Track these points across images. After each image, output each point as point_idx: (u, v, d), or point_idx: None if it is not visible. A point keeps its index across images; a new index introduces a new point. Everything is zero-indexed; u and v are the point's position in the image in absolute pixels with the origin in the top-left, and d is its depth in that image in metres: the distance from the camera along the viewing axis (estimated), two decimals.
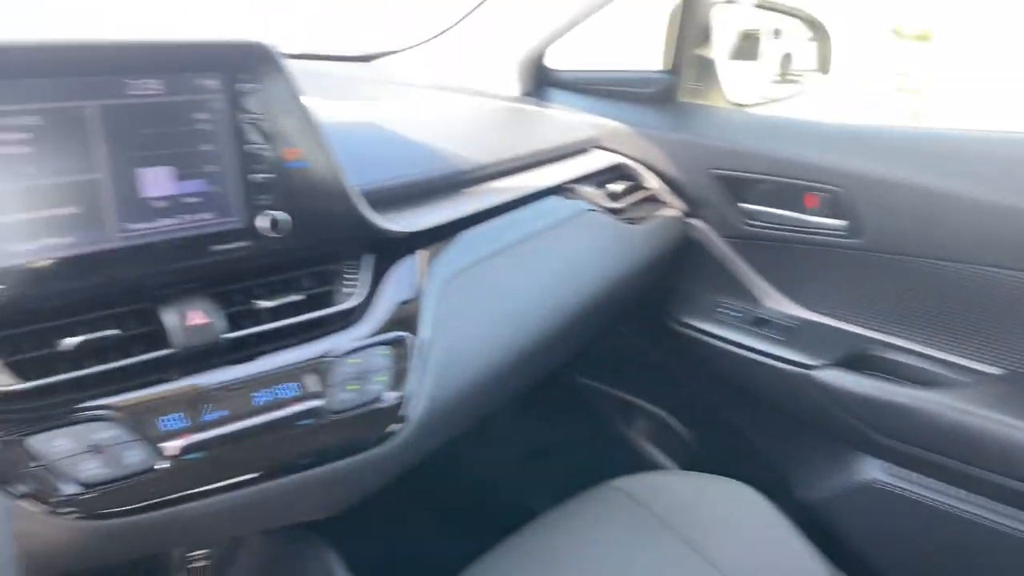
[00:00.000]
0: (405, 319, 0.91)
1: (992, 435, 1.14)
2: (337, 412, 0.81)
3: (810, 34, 1.61)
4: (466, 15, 1.52)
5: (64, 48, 0.69)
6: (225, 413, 0.74)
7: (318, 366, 0.82)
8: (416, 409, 0.88)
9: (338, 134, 0.86)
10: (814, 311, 1.39)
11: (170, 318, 0.74)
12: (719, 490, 1.17)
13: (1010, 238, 1.16)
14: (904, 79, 5.59)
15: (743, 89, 1.56)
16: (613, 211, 1.33)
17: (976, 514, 1.23)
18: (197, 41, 0.76)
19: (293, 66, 0.81)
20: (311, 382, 0.81)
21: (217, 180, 0.77)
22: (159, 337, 0.74)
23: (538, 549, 1.04)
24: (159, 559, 0.98)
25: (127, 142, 0.71)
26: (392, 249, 0.94)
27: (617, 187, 1.37)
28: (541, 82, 1.55)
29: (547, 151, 1.33)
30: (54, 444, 0.66)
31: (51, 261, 0.68)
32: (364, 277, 0.90)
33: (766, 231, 1.39)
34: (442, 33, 1.56)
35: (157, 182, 0.73)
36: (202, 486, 0.73)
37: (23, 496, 0.65)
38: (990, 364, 1.23)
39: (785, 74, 1.63)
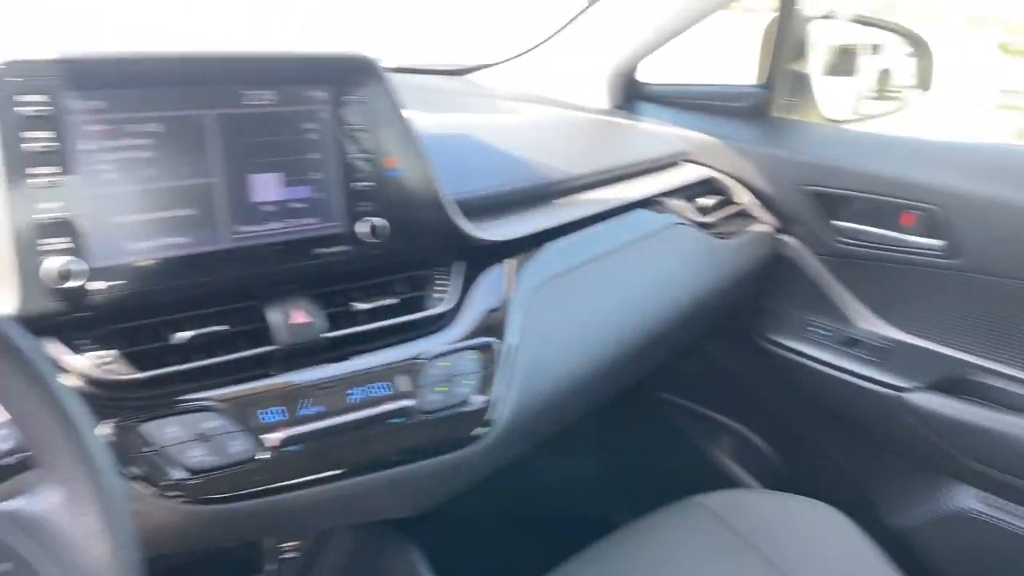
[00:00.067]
0: (493, 325, 0.93)
1: None
2: (426, 412, 0.84)
3: (910, 50, 1.58)
4: (558, 30, 1.54)
5: (186, 60, 0.74)
6: (322, 409, 0.78)
7: (409, 367, 0.84)
8: (501, 414, 0.90)
9: (434, 145, 0.90)
10: (908, 332, 1.35)
11: (274, 316, 0.78)
12: (804, 511, 1.15)
13: None
14: (1010, 96, 5.36)
15: (838, 105, 1.54)
16: (702, 225, 1.33)
17: None
18: (309, 54, 0.80)
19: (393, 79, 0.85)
20: (402, 382, 0.84)
21: (321, 187, 0.81)
22: (263, 334, 0.78)
23: (618, 560, 1.04)
24: (253, 549, 1.03)
25: (240, 149, 0.76)
26: (482, 257, 0.97)
27: (707, 201, 1.36)
28: (631, 95, 1.56)
29: (637, 164, 1.33)
30: (165, 431, 0.70)
31: (167, 259, 0.73)
32: (455, 283, 0.93)
33: (859, 249, 1.36)
34: (534, 47, 1.59)
35: (267, 188, 0.78)
36: (298, 478, 0.77)
37: (135, 478, 0.69)
38: None
39: (883, 90, 1.60)
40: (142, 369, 0.72)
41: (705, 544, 1.07)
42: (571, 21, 1.51)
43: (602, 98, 1.53)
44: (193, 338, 0.74)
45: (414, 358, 0.85)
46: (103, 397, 0.69)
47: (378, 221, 0.84)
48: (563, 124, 1.45)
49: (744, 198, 1.45)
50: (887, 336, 1.36)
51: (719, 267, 1.34)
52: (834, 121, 1.52)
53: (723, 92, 1.53)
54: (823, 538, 1.10)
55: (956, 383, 1.27)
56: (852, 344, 1.38)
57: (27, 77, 0.66)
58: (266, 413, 0.75)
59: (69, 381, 0.69)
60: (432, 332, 0.89)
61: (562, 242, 1.07)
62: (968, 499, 1.30)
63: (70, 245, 0.68)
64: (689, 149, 1.46)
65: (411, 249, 0.89)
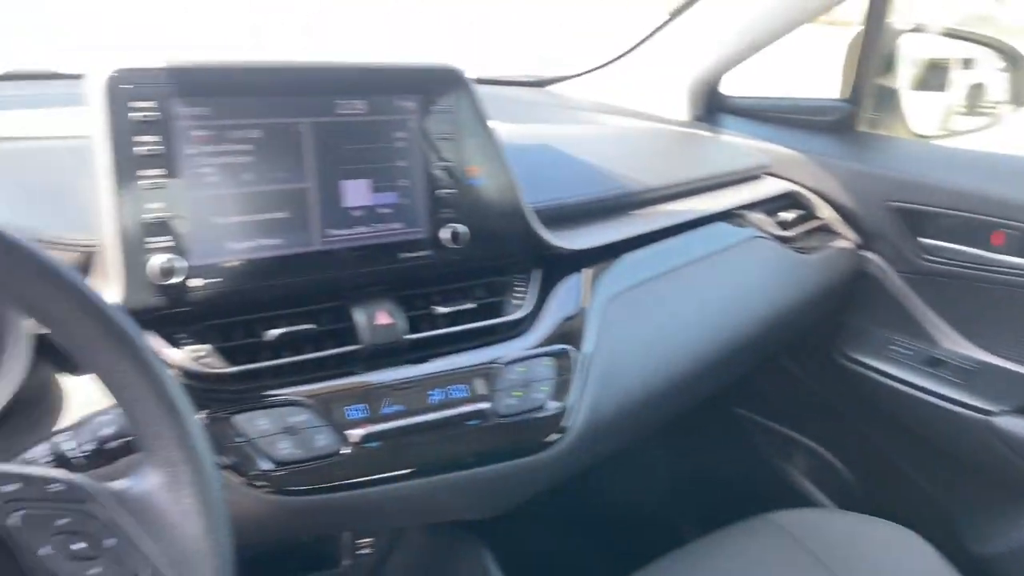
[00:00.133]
0: (568, 333, 0.94)
1: None
2: (502, 416, 0.86)
3: (1003, 64, 1.53)
4: (638, 43, 1.54)
5: (286, 70, 0.77)
6: (403, 408, 0.80)
7: (487, 371, 0.86)
8: (575, 421, 0.91)
9: (515, 154, 0.91)
10: (995, 354, 1.31)
11: (360, 317, 0.81)
12: (881, 533, 1.12)
13: None
14: None
15: (927, 120, 1.50)
16: (783, 239, 1.31)
17: None
18: (400, 65, 0.83)
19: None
20: (479, 385, 0.85)
21: (407, 193, 0.84)
22: (348, 334, 0.81)
23: (687, 574, 1.04)
24: (330, 543, 1.06)
25: (333, 156, 0.79)
26: (560, 265, 0.98)
27: (788, 215, 1.35)
28: (712, 107, 1.55)
29: (717, 176, 1.33)
30: (255, 424, 0.74)
31: (262, 260, 0.77)
32: (532, 290, 0.95)
33: (946, 267, 1.32)
34: (615, 60, 1.59)
35: (356, 193, 0.81)
36: (377, 474, 0.80)
37: (225, 468, 0.73)
38: None
39: (975, 106, 1.55)
40: (235, 364, 0.75)
41: (777, 562, 1.05)
42: (652, 34, 1.51)
43: (682, 110, 1.53)
44: (282, 335, 0.77)
45: (491, 362, 0.87)
46: (198, 389, 0.73)
47: (460, 227, 0.86)
48: (643, 135, 1.45)
49: (825, 213, 1.43)
50: (973, 357, 1.32)
51: (799, 282, 1.32)
52: (923, 137, 1.49)
53: (807, 106, 1.52)
54: (900, 561, 1.07)
55: None
56: (936, 364, 1.35)
57: (137, 84, 0.70)
58: (351, 410, 0.78)
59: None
60: (509, 337, 0.90)
61: (640, 253, 1.08)
62: None
63: (172, 244, 0.72)
64: (771, 162, 1.45)
65: (491, 255, 0.91)
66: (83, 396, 0.71)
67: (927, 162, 1.36)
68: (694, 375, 1.11)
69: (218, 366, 0.74)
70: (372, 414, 0.79)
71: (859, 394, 1.46)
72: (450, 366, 0.85)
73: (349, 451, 0.77)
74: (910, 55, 1.48)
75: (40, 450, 0.64)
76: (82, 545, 0.50)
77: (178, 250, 0.72)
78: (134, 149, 0.70)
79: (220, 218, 0.74)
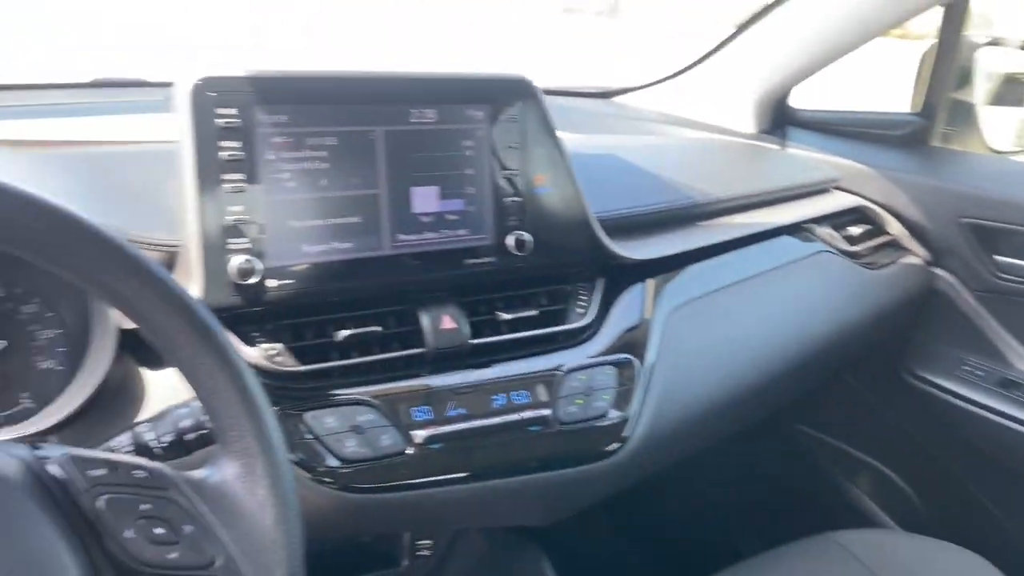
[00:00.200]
0: (631, 343, 0.95)
1: None
2: (563, 423, 0.86)
3: None
4: (705, 55, 1.54)
5: (362, 80, 0.80)
6: (466, 411, 0.82)
7: (549, 378, 0.87)
8: (636, 431, 0.91)
9: (580, 164, 0.92)
10: None
11: (426, 321, 0.83)
12: (947, 557, 1.09)
13: None
14: None
15: (1004, 135, 1.46)
16: (850, 254, 1.29)
17: None
18: (472, 75, 0.85)
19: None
20: (541, 392, 0.86)
21: (474, 200, 0.85)
22: (414, 337, 0.82)
23: None
24: (390, 543, 1.08)
25: (404, 163, 0.81)
26: (623, 275, 0.98)
27: (856, 230, 1.33)
28: (779, 120, 1.54)
29: (783, 189, 1.32)
30: (323, 422, 0.76)
31: (334, 262, 0.79)
32: (595, 299, 0.95)
33: (1022, 286, 1.29)
34: (681, 72, 1.59)
35: (425, 199, 0.83)
36: (439, 475, 0.81)
37: (294, 464, 0.75)
38: None
39: None
40: (305, 362, 0.78)
41: None
42: (719, 46, 1.51)
43: (749, 122, 1.52)
44: (351, 336, 0.80)
45: (553, 369, 0.88)
46: (270, 386, 0.75)
47: (525, 235, 0.87)
48: (709, 147, 1.45)
49: (894, 228, 1.40)
50: None
51: (866, 298, 1.30)
52: (999, 152, 1.45)
53: (877, 119, 1.49)
54: None
55: None
56: (1010, 386, 1.31)
57: (221, 92, 0.74)
58: (416, 411, 0.79)
59: None
60: (572, 345, 0.91)
61: (704, 264, 1.07)
62: None
63: (250, 245, 0.75)
64: (839, 176, 1.43)
65: (555, 263, 0.92)
66: (162, 389, 0.74)
67: (1004, 178, 1.33)
68: (756, 389, 1.10)
69: (290, 364, 0.77)
70: (436, 416, 0.80)
71: (927, 414, 1.42)
72: (512, 372, 0.86)
73: (413, 452, 0.78)
74: (987, 69, 1.45)
75: (123, 439, 0.67)
76: (162, 530, 0.52)
77: (255, 251, 0.75)
78: (217, 154, 0.73)
79: (295, 222, 0.77)
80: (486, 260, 0.87)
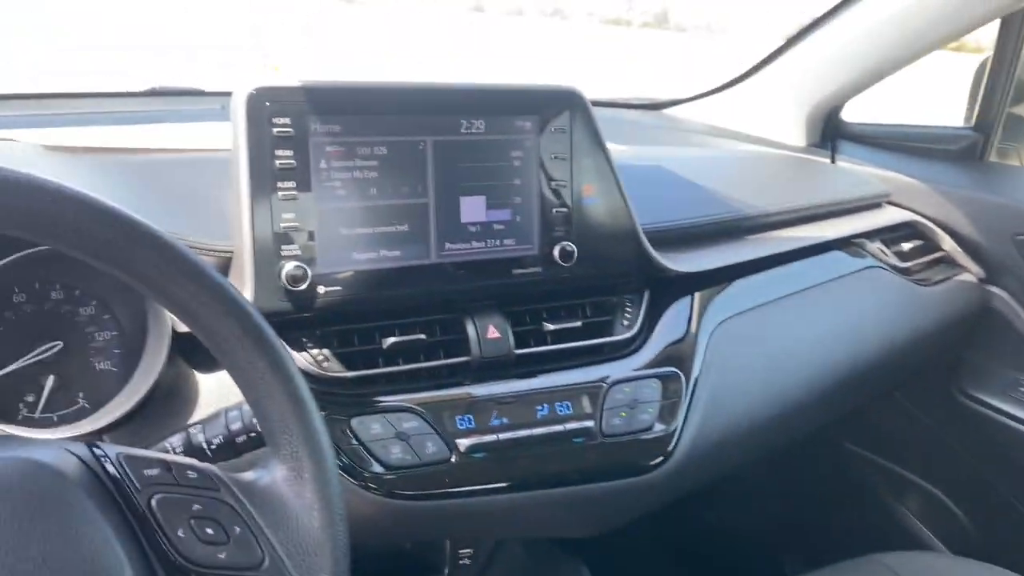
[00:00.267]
0: (676, 356, 0.94)
1: None
2: (607, 436, 0.86)
3: None
4: (754, 68, 1.53)
5: (414, 91, 0.81)
6: (510, 420, 0.82)
7: (593, 390, 0.87)
8: (681, 445, 0.90)
9: (628, 175, 0.92)
10: None
11: (471, 330, 0.83)
12: None
13: None
14: None
15: None
16: (901, 270, 1.27)
17: None
18: (522, 87, 0.85)
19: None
20: (585, 403, 0.86)
21: (521, 211, 0.86)
22: (460, 345, 0.83)
23: None
24: (431, 551, 1.08)
25: (452, 173, 0.82)
26: (670, 287, 0.98)
27: (907, 246, 1.30)
28: (829, 133, 1.52)
29: (834, 203, 1.30)
30: (369, 428, 0.76)
31: (382, 270, 0.80)
32: (641, 311, 0.95)
33: None
34: (730, 84, 1.58)
35: (473, 209, 0.83)
36: (482, 484, 0.81)
37: (339, 469, 0.76)
38: None
39: None
40: (352, 369, 0.79)
41: None
42: (768, 59, 1.50)
43: (799, 136, 1.50)
44: (396, 343, 0.80)
45: (598, 381, 0.87)
46: (317, 391, 0.75)
47: (571, 246, 0.88)
48: (758, 160, 1.43)
49: (947, 244, 1.37)
50: None
51: (918, 315, 1.28)
52: None
53: (931, 134, 1.47)
54: None
55: None
56: None
57: (276, 102, 0.75)
58: (460, 419, 0.80)
59: None
60: (617, 357, 0.91)
61: (752, 279, 1.06)
62: None
63: (301, 252, 0.76)
64: (891, 191, 1.40)
65: (601, 274, 0.92)
66: (214, 391, 0.76)
67: None
68: (803, 406, 1.08)
69: (337, 370, 0.78)
70: (480, 425, 0.81)
71: (980, 435, 1.38)
72: (557, 382, 0.86)
73: (456, 460, 0.79)
74: None
75: (175, 440, 0.68)
76: (213, 531, 0.53)
77: (306, 258, 0.76)
78: (271, 162, 0.74)
79: (345, 229, 0.78)
80: (532, 270, 0.87)
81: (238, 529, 0.53)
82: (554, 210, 0.87)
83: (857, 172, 1.44)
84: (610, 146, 0.91)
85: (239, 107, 0.74)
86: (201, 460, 0.59)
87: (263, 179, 0.74)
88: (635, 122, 1.56)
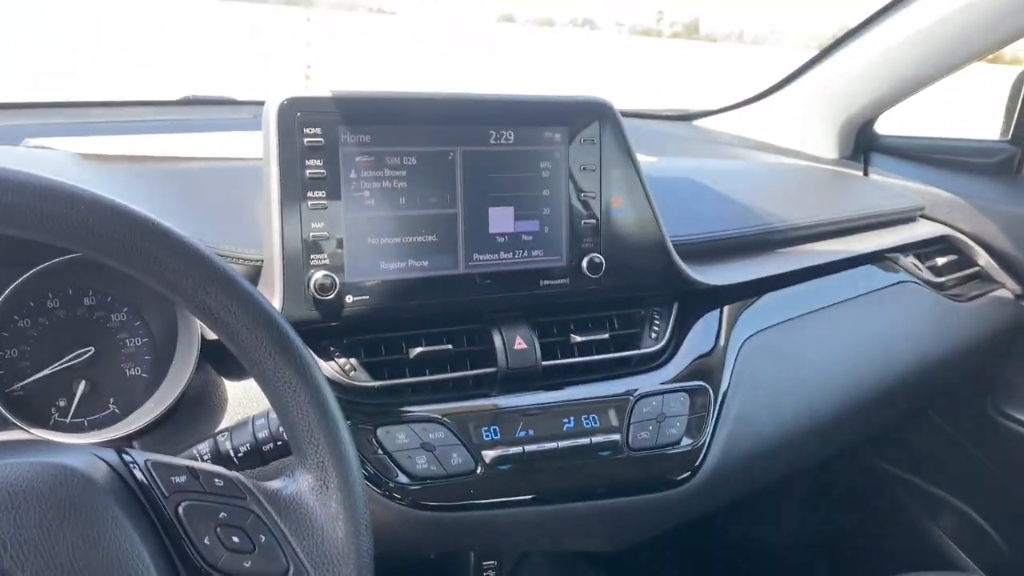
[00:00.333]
0: (704, 370, 0.93)
1: None
2: (633, 449, 0.85)
3: None
4: (786, 80, 1.52)
5: (444, 101, 0.81)
6: (536, 433, 0.81)
7: (620, 403, 0.86)
8: (708, 460, 0.89)
9: (657, 187, 0.92)
10: None
11: (498, 341, 0.83)
12: None
13: None
14: None
15: None
16: (935, 285, 1.25)
17: None
18: (552, 98, 0.85)
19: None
20: (612, 416, 0.85)
21: (549, 222, 0.85)
22: (486, 356, 0.83)
23: None
24: (455, 562, 1.08)
25: (481, 184, 0.82)
26: (699, 300, 0.97)
27: (942, 260, 1.28)
28: (862, 146, 1.50)
29: (866, 217, 1.28)
30: (395, 438, 0.76)
31: (410, 280, 0.80)
32: (669, 324, 0.94)
33: None
34: (761, 96, 1.57)
35: (501, 220, 0.83)
36: (507, 496, 0.81)
37: (365, 479, 0.76)
38: None
39: None
40: (378, 378, 0.79)
41: None
42: (800, 71, 1.48)
43: (831, 148, 1.49)
44: (423, 353, 0.80)
45: (625, 394, 0.87)
46: (343, 401, 0.76)
47: (599, 257, 0.87)
48: (789, 172, 1.42)
49: (983, 259, 1.35)
50: None
51: (952, 331, 1.25)
52: None
53: (966, 147, 1.44)
54: None
55: None
56: None
57: (307, 112, 0.75)
58: (486, 431, 0.79)
59: None
60: (644, 370, 0.90)
61: (782, 292, 1.05)
62: None
63: (329, 261, 0.76)
64: (925, 205, 1.38)
65: (629, 287, 0.91)
66: (240, 399, 0.76)
67: None
68: (833, 423, 1.07)
69: (363, 379, 0.78)
70: (505, 437, 0.80)
71: (1015, 454, 1.36)
72: (583, 395, 0.85)
73: (482, 471, 0.78)
74: None
75: (202, 447, 0.68)
76: (239, 539, 0.53)
77: (334, 267, 0.76)
78: (301, 172, 0.75)
79: (374, 239, 0.78)
80: (560, 282, 0.86)
81: (264, 538, 0.54)
82: (582, 221, 0.87)
83: (890, 185, 1.42)
84: (640, 157, 0.91)
85: (271, 117, 0.75)
86: (228, 467, 0.59)
87: (293, 188, 0.74)
88: (665, 133, 1.55)
